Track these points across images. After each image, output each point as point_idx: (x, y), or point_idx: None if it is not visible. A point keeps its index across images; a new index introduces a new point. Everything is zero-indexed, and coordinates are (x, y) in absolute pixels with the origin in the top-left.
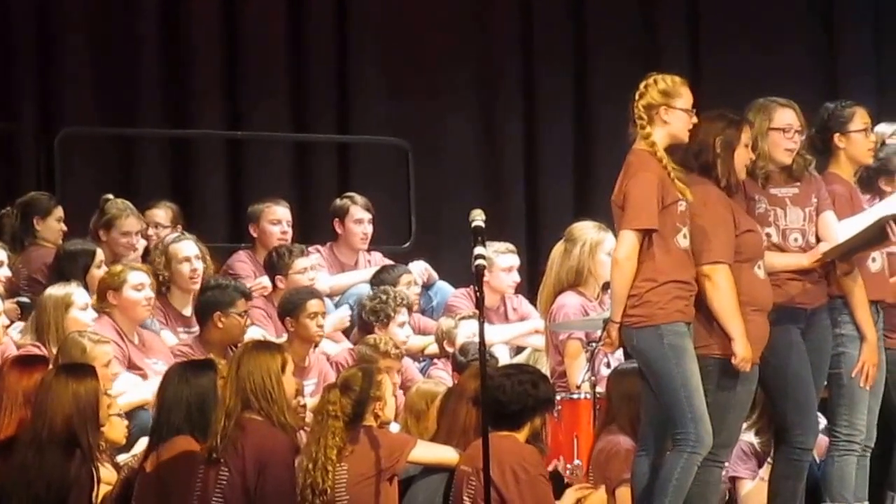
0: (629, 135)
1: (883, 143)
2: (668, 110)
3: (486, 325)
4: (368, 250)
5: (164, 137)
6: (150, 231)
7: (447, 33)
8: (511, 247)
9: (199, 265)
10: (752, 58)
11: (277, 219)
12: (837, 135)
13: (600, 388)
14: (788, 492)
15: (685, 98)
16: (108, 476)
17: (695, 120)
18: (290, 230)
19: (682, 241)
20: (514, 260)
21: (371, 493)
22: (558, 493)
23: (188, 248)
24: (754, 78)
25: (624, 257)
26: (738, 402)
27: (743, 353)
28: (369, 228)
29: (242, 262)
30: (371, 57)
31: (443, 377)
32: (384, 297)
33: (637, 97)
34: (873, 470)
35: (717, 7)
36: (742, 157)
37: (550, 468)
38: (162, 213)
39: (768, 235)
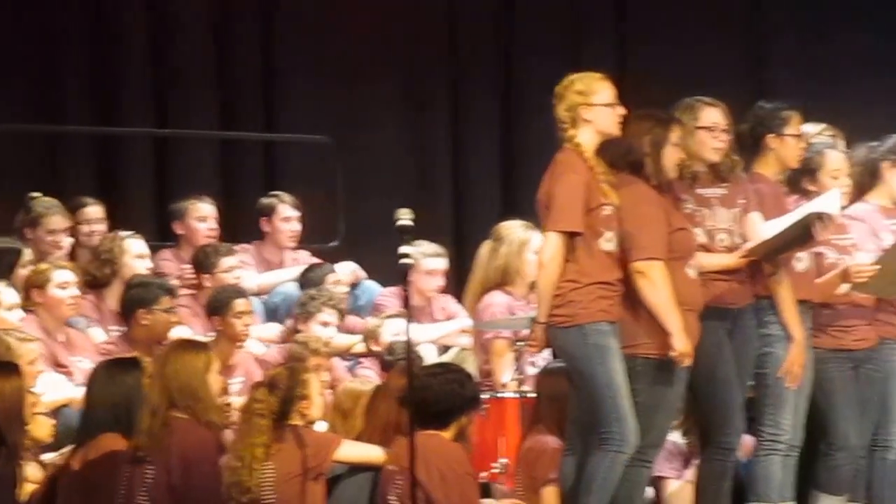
0: (557, 133)
1: (810, 144)
2: (588, 108)
3: (414, 325)
4: (295, 249)
5: (91, 135)
6: (86, 228)
7: (375, 32)
8: (439, 249)
9: (149, 263)
10: (678, 57)
11: (204, 216)
12: (772, 136)
13: (526, 387)
14: (714, 491)
15: (604, 93)
16: (34, 474)
17: (621, 111)
18: (216, 227)
19: (606, 244)
20: (439, 264)
21: (297, 491)
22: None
23: (141, 245)
24: (681, 77)
25: (548, 258)
26: (668, 403)
27: (682, 347)
28: (297, 227)
29: (167, 261)
30: (298, 55)
31: (370, 376)
32: (315, 293)
33: (557, 101)
34: (799, 469)
35: (643, 7)
36: (671, 156)
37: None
38: (97, 210)
39: (696, 235)
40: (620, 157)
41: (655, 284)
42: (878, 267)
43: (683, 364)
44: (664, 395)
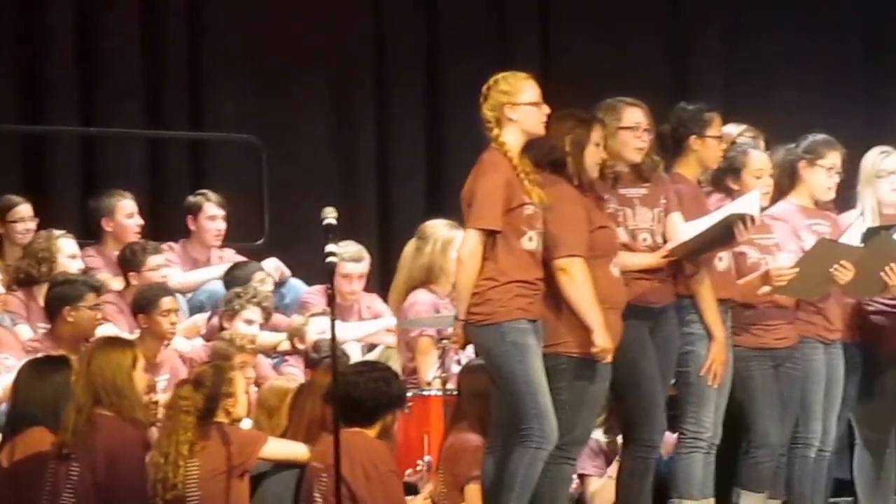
0: (482, 133)
1: (733, 143)
2: (513, 108)
3: (339, 323)
4: (221, 247)
5: (16, 133)
6: (20, 227)
7: (300, 32)
8: (358, 255)
9: (80, 263)
10: (601, 57)
11: (131, 212)
12: (694, 137)
13: (451, 385)
14: (636, 488)
15: (529, 92)
16: None
17: (546, 111)
18: (142, 222)
19: (528, 243)
20: (357, 268)
21: (222, 488)
22: None
23: (73, 245)
24: (604, 77)
25: (467, 255)
26: (591, 400)
27: (603, 343)
28: (222, 225)
29: (91, 258)
30: (225, 55)
31: (295, 374)
32: (240, 291)
33: (482, 100)
34: (719, 466)
35: (568, 7)
36: (593, 155)
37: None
38: (27, 208)
39: (618, 235)
40: (543, 156)
41: (576, 282)
42: (797, 270)
43: (604, 360)
44: (587, 393)
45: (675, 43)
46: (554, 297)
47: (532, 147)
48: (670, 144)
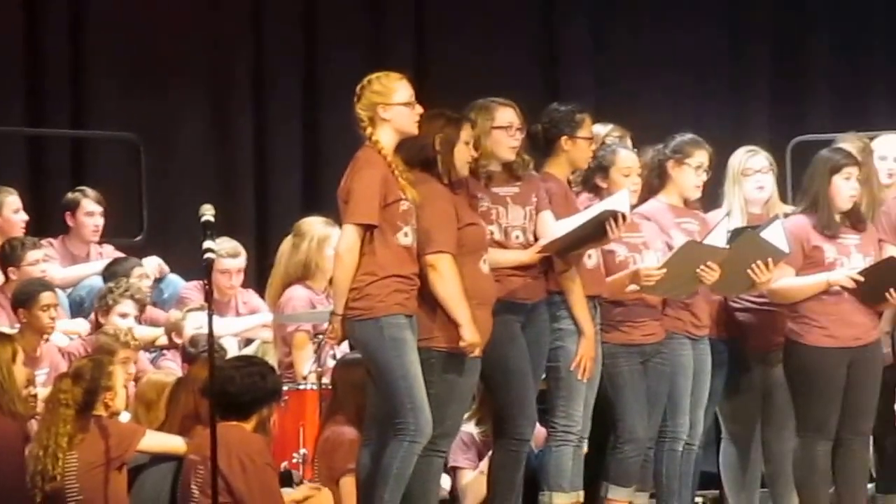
0: (358, 132)
1: (602, 143)
2: (386, 108)
3: (216, 318)
4: (100, 243)
5: None
6: None
7: (179, 30)
8: (234, 250)
9: None
10: (475, 58)
11: (17, 207)
12: (565, 137)
13: (326, 380)
14: (507, 481)
15: (402, 92)
16: None
17: (419, 111)
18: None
19: (404, 238)
20: (234, 263)
21: (101, 480)
22: None
23: None
24: (477, 78)
25: (345, 250)
26: (460, 394)
27: (470, 338)
28: (100, 221)
29: None
30: (106, 52)
31: (172, 368)
32: (113, 286)
33: (356, 100)
34: (589, 460)
35: (442, 11)
36: (463, 153)
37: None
38: None
39: (490, 233)
40: (414, 155)
41: (444, 278)
42: (664, 271)
43: (472, 355)
44: (456, 387)
45: (546, 46)
46: (426, 292)
47: (403, 146)
48: (542, 144)
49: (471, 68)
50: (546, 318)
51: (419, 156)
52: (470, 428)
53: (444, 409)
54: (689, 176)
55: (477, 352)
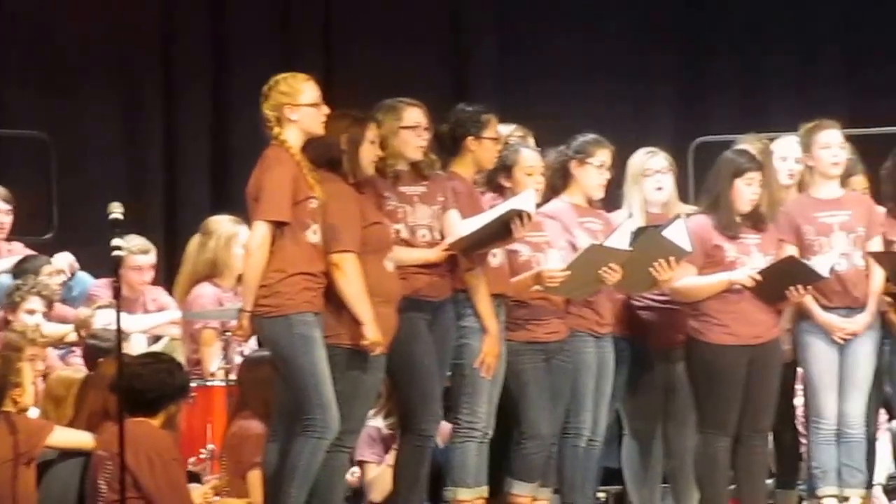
0: (266, 133)
1: (506, 143)
2: (293, 108)
3: (124, 315)
4: (8, 240)
5: None
6: None
7: (89, 29)
8: (145, 247)
9: None
10: (382, 63)
11: None
12: (471, 138)
13: (234, 376)
14: (412, 476)
15: (309, 93)
16: None
17: (325, 111)
18: None
19: (312, 236)
20: (146, 260)
21: (9, 476)
22: None
23: None
24: (385, 82)
25: (256, 247)
26: (365, 391)
27: (373, 336)
28: (7, 219)
29: None
30: (15, 51)
31: (81, 364)
32: (21, 282)
33: (263, 100)
34: (492, 455)
35: (350, 14)
36: (368, 153)
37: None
38: None
39: (398, 231)
40: (320, 154)
41: (348, 276)
42: (568, 273)
43: (375, 353)
44: (360, 383)
45: (453, 49)
46: (331, 290)
47: (309, 146)
48: (448, 144)
49: (378, 72)
50: (452, 315)
51: (325, 155)
52: (376, 423)
53: (350, 405)
54: (592, 175)
55: (379, 350)
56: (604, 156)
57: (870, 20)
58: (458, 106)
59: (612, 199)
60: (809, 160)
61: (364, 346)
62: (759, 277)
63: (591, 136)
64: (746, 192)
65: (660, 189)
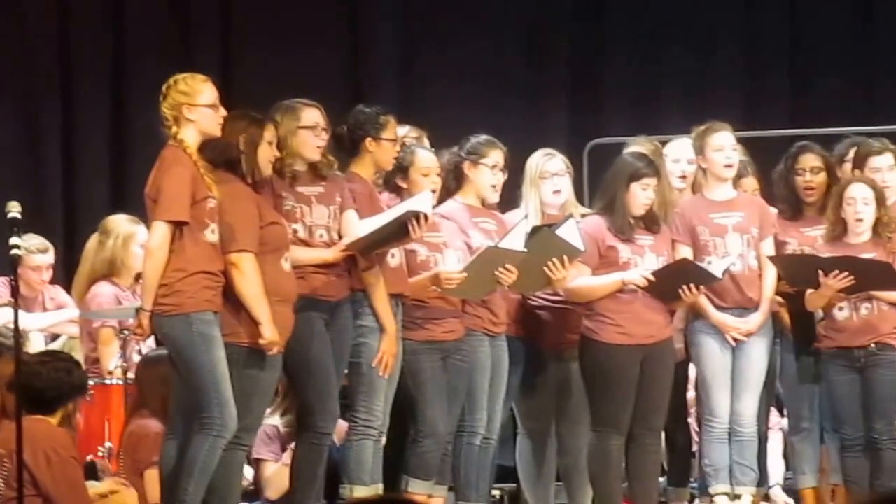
0: (164, 133)
1: (403, 144)
2: (191, 108)
3: (23, 313)
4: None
5: None
6: None
7: None
8: (43, 246)
9: None
10: (281, 63)
11: None
12: (370, 139)
13: (132, 374)
14: (309, 474)
15: (207, 94)
16: None
17: (223, 113)
18: None
19: (210, 235)
20: (45, 259)
21: None
22: None
23: None
24: (283, 82)
25: (156, 247)
26: (262, 389)
27: (270, 336)
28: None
29: None
30: None
31: None
32: None
33: (161, 99)
34: (388, 454)
35: (248, 13)
36: (266, 153)
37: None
38: None
39: (295, 231)
40: (218, 155)
41: (246, 276)
42: (465, 275)
43: (272, 352)
44: (258, 382)
45: (352, 52)
46: (229, 289)
47: (207, 146)
48: (347, 145)
49: (277, 75)
50: (349, 315)
51: (223, 156)
52: (274, 421)
53: (247, 403)
54: (486, 176)
55: (276, 349)
56: (497, 156)
57: (763, 24)
58: (357, 107)
59: (511, 199)
60: (703, 162)
61: (261, 345)
62: (652, 278)
63: (483, 137)
64: (642, 195)
65: (557, 192)
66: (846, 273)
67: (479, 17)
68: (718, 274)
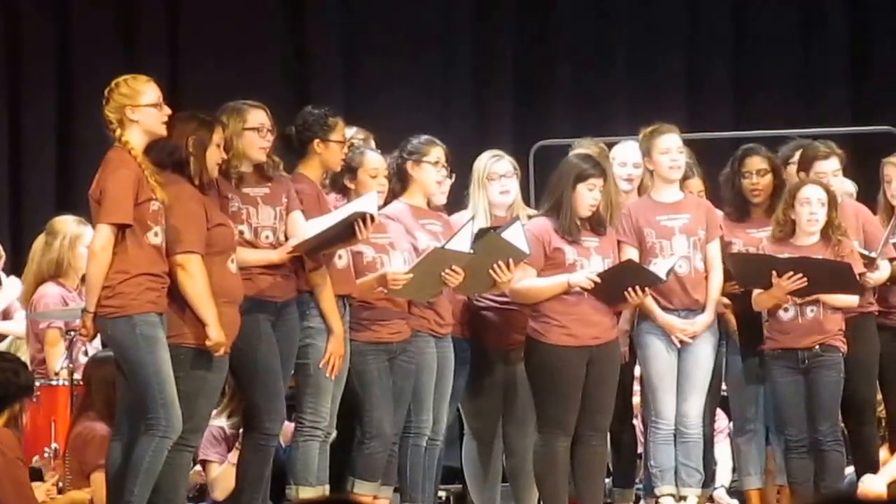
0: (109, 135)
1: (351, 145)
2: (134, 109)
3: None
4: None
5: None
6: None
7: None
8: None
9: None
10: (229, 70)
11: None
12: (318, 140)
13: (78, 376)
14: (255, 475)
15: (150, 94)
16: None
17: (167, 112)
18: None
19: (154, 238)
20: None
21: None
22: None
23: None
24: (231, 89)
25: (100, 249)
26: (209, 390)
27: (216, 337)
28: None
29: None
30: None
31: None
32: None
33: (105, 102)
34: (334, 454)
35: (194, 16)
36: (214, 155)
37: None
38: None
39: (241, 232)
40: (166, 156)
41: (193, 277)
42: (411, 276)
43: (218, 354)
44: (204, 382)
45: (297, 55)
46: (175, 290)
47: (154, 147)
48: (295, 146)
49: (224, 82)
50: (296, 316)
51: (171, 157)
52: (220, 422)
53: (193, 404)
54: (430, 173)
55: (222, 350)
56: (438, 153)
57: (707, 26)
58: (305, 108)
59: (458, 200)
60: (649, 164)
61: (208, 346)
62: (597, 280)
63: (423, 137)
64: (588, 196)
65: (505, 193)
66: (800, 275)
67: (423, 18)
68: (663, 275)
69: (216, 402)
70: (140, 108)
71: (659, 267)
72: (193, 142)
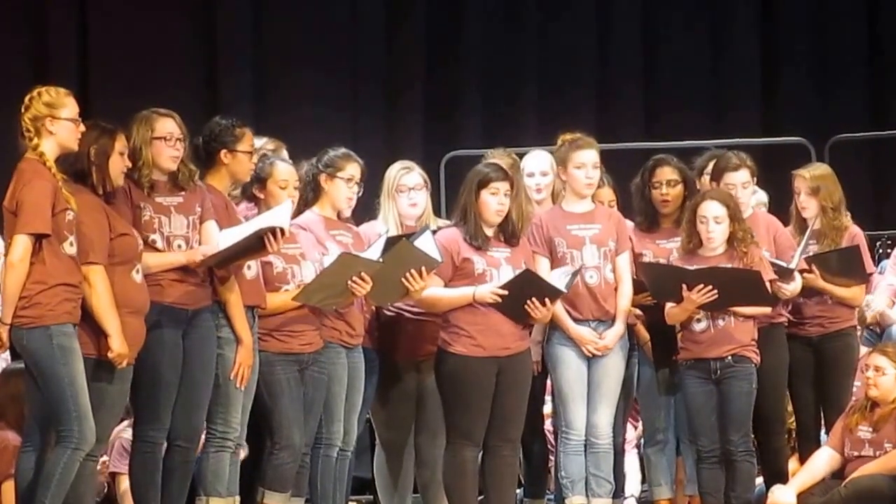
0: (21, 145)
1: (263, 155)
2: (53, 121)
3: None
4: None
5: None
6: None
7: None
8: None
9: None
10: (139, 80)
11: None
12: (225, 151)
13: None
14: (144, 481)
15: (70, 108)
16: None
17: (82, 128)
18: None
19: (69, 248)
20: None
21: None
22: None
23: None
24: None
25: (17, 260)
26: (111, 401)
27: (118, 348)
28: None
29: None
30: None
31: None
32: None
33: (23, 110)
34: (244, 465)
35: (105, 23)
36: (117, 164)
37: None
38: None
39: (153, 241)
40: (68, 166)
41: (95, 288)
42: (319, 281)
43: (121, 365)
44: (106, 394)
45: (206, 64)
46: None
47: (64, 157)
48: (203, 156)
49: (135, 92)
50: (210, 324)
51: (73, 167)
52: (129, 435)
53: (95, 415)
54: (342, 189)
55: (125, 362)
56: (353, 170)
57: (618, 38)
58: (213, 119)
59: (368, 210)
60: (563, 174)
61: (109, 357)
62: (502, 293)
63: (340, 151)
64: (492, 202)
65: (414, 205)
66: (710, 287)
67: (334, 37)
68: (562, 287)
69: (121, 414)
70: (59, 120)
71: (554, 278)
72: (95, 151)
